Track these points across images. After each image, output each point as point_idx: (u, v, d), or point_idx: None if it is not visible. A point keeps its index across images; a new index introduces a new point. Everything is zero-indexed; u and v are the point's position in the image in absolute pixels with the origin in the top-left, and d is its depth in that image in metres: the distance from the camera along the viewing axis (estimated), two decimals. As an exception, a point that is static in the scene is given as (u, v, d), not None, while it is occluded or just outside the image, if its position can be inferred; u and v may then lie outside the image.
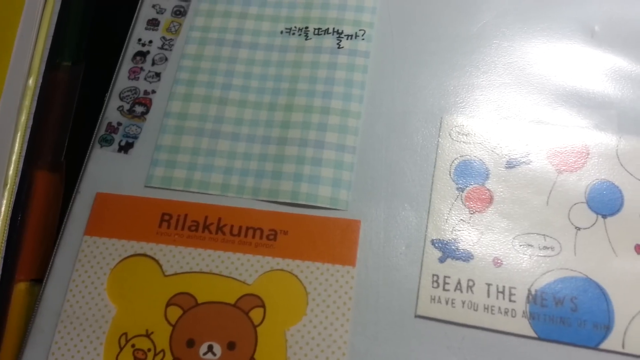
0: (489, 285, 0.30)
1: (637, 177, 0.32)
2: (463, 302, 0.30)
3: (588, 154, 0.33)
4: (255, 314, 0.30)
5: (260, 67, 0.37)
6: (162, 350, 0.30)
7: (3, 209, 0.35)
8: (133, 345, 0.30)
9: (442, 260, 0.31)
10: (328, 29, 0.38)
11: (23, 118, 0.37)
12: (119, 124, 0.36)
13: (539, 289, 0.30)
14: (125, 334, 0.30)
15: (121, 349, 0.30)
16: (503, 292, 0.30)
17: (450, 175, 0.33)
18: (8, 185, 0.35)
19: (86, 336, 0.30)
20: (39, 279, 0.33)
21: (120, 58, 0.38)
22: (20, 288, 0.33)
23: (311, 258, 0.31)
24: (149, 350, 0.30)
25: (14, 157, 0.36)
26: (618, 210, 0.31)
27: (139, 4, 0.40)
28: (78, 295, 0.31)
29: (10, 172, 0.36)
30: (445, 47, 0.36)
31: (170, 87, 0.37)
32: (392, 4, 0.38)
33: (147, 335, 0.30)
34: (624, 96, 0.34)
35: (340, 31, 0.37)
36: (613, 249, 0.31)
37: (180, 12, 0.40)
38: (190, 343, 0.30)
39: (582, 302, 0.29)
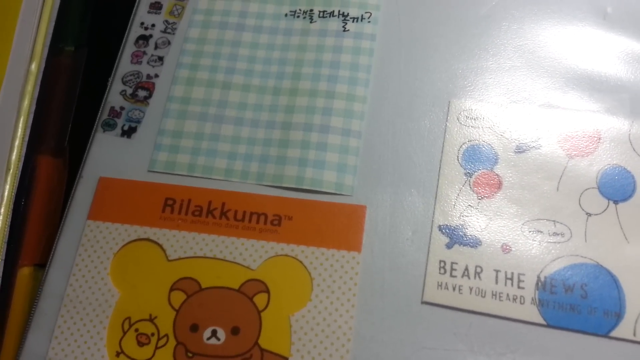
0: (497, 271, 0.30)
1: (650, 162, 0.31)
2: (470, 289, 0.29)
3: (599, 138, 0.32)
4: (260, 299, 0.30)
5: (265, 51, 0.36)
6: (166, 335, 0.29)
7: (6, 193, 0.34)
8: (136, 330, 0.30)
9: (449, 246, 0.30)
10: (333, 11, 0.37)
11: (26, 103, 0.37)
12: (122, 108, 0.36)
13: (549, 275, 0.29)
14: (129, 318, 0.30)
15: (124, 333, 0.30)
16: (512, 279, 0.29)
17: (458, 160, 0.32)
18: (11, 170, 0.35)
19: (89, 320, 0.30)
20: (42, 264, 0.33)
21: (123, 42, 0.38)
22: (24, 273, 0.33)
23: (316, 244, 0.31)
24: (153, 334, 0.30)
25: (16, 142, 0.36)
26: (630, 196, 0.31)
27: (142, -13, 0.39)
28: (81, 279, 0.31)
29: (13, 157, 0.35)
30: (453, 30, 0.35)
31: (174, 71, 0.36)
32: (399, -14, 0.37)
33: (151, 319, 0.30)
34: (637, 79, 0.33)
35: (345, 14, 0.37)
36: (625, 235, 0.30)
37: (183, -5, 0.39)
38: (194, 328, 0.30)
39: (592, 289, 0.29)
